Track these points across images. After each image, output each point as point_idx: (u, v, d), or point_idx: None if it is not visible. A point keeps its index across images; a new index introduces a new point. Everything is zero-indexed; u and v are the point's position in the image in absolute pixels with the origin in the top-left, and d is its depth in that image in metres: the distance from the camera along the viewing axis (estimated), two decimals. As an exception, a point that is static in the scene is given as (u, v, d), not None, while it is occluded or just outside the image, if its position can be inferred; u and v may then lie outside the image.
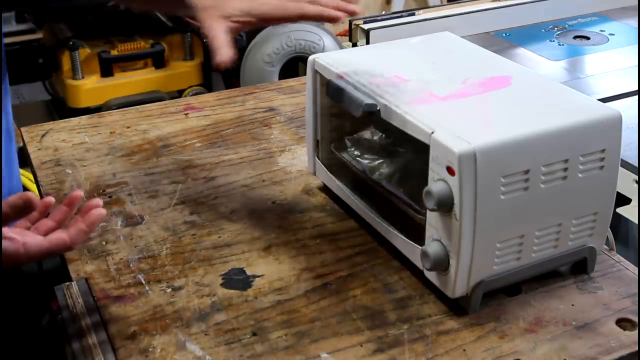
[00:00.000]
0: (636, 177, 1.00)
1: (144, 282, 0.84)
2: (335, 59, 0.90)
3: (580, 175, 0.78)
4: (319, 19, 0.86)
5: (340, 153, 0.96)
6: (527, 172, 0.74)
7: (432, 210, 0.75)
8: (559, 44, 1.53)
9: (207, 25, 0.86)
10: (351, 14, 0.86)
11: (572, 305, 0.81)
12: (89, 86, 2.22)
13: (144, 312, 0.80)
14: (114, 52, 2.24)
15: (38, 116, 2.38)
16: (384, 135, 0.92)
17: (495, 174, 0.73)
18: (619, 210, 0.98)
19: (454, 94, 0.83)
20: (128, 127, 1.19)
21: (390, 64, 0.90)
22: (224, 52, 0.84)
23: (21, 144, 1.15)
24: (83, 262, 0.88)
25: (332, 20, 0.85)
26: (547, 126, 0.76)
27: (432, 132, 0.75)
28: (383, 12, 2.38)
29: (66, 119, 1.24)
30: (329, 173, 0.97)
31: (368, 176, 0.90)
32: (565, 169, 0.77)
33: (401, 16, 1.65)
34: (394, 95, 0.83)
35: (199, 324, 0.78)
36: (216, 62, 0.84)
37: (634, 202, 0.99)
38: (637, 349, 0.75)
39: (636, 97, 1.24)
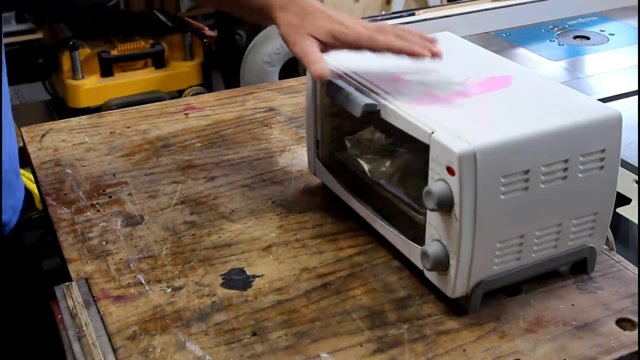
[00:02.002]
0: (636, 177, 1.00)
1: (144, 282, 0.84)
2: (335, 59, 0.90)
3: (580, 175, 0.78)
4: (404, 53, 0.84)
5: (340, 153, 0.96)
6: (527, 172, 0.74)
7: (432, 210, 0.75)
8: (559, 44, 1.53)
9: (292, 41, 0.85)
10: (435, 55, 0.84)
11: (572, 305, 0.81)
12: (89, 86, 2.21)
13: (144, 312, 0.80)
14: (114, 52, 2.24)
15: (38, 116, 2.37)
16: (384, 135, 0.92)
17: (495, 174, 0.73)
18: (619, 210, 0.98)
19: (454, 94, 0.83)
20: (128, 127, 1.19)
21: (390, 64, 0.90)
22: (320, 65, 0.82)
23: (21, 144, 1.15)
24: (83, 262, 0.88)
25: (417, 56, 0.84)
26: (547, 126, 0.76)
27: (432, 132, 0.75)
28: (383, 12, 2.38)
29: (66, 119, 1.24)
30: (329, 173, 0.97)
31: (368, 176, 0.90)
32: (565, 169, 0.77)
33: (401, 16, 1.64)
34: (394, 95, 0.83)
35: (199, 324, 0.78)
36: (315, 76, 0.82)
37: (634, 202, 0.99)
38: (637, 349, 0.75)
39: (636, 97, 1.24)
